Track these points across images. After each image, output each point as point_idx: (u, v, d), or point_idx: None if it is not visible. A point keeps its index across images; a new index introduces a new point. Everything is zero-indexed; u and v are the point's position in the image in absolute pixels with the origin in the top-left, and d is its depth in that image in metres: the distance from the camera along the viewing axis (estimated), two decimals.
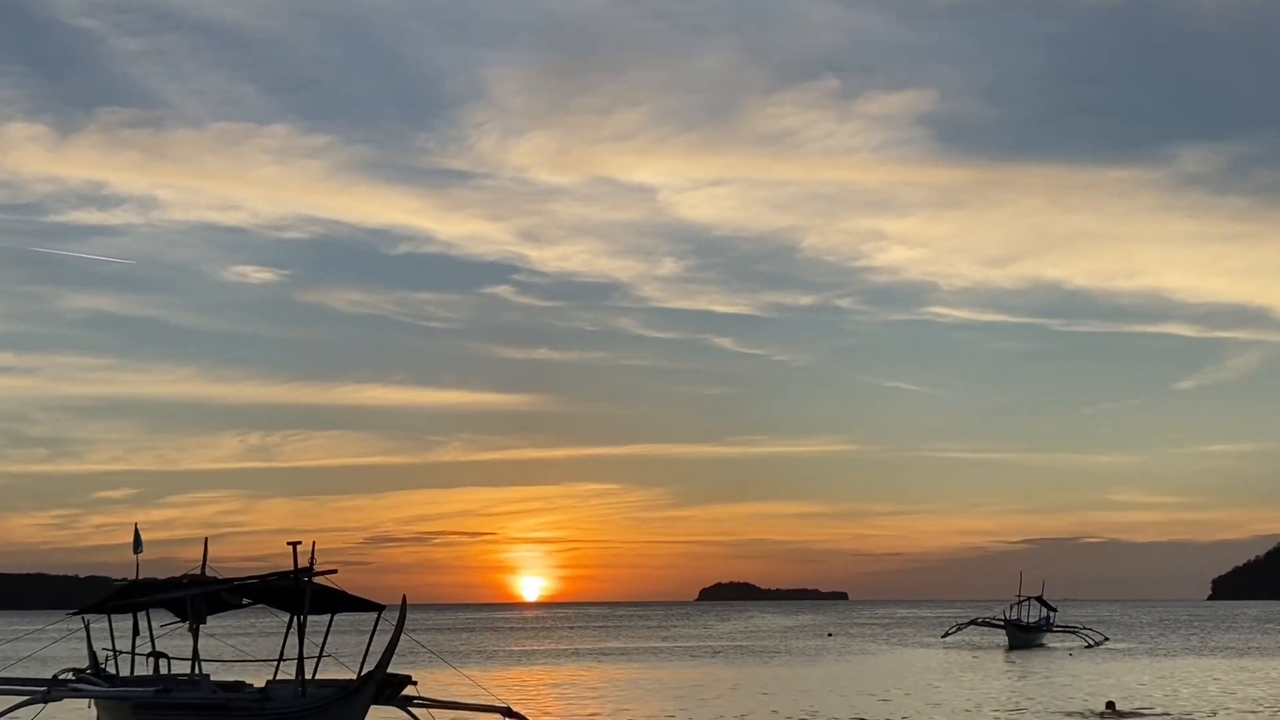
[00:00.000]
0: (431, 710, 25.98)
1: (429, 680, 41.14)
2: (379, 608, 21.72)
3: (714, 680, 45.04)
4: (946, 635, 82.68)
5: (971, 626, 79.70)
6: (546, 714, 30.91)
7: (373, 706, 22.77)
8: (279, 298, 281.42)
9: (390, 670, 20.45)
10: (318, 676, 22.98)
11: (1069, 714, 30.87)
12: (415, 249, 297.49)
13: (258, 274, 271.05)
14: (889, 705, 33.62)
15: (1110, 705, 31.07)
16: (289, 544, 20.06)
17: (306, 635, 21.29)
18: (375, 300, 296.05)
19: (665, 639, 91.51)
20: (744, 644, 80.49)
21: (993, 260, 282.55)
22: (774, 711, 32.05)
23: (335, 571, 20.48)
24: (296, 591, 20.31)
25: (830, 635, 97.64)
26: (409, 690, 21.92)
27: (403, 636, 20.14)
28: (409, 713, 25.01)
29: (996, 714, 30.92)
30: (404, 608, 19.59)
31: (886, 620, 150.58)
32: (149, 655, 24.19)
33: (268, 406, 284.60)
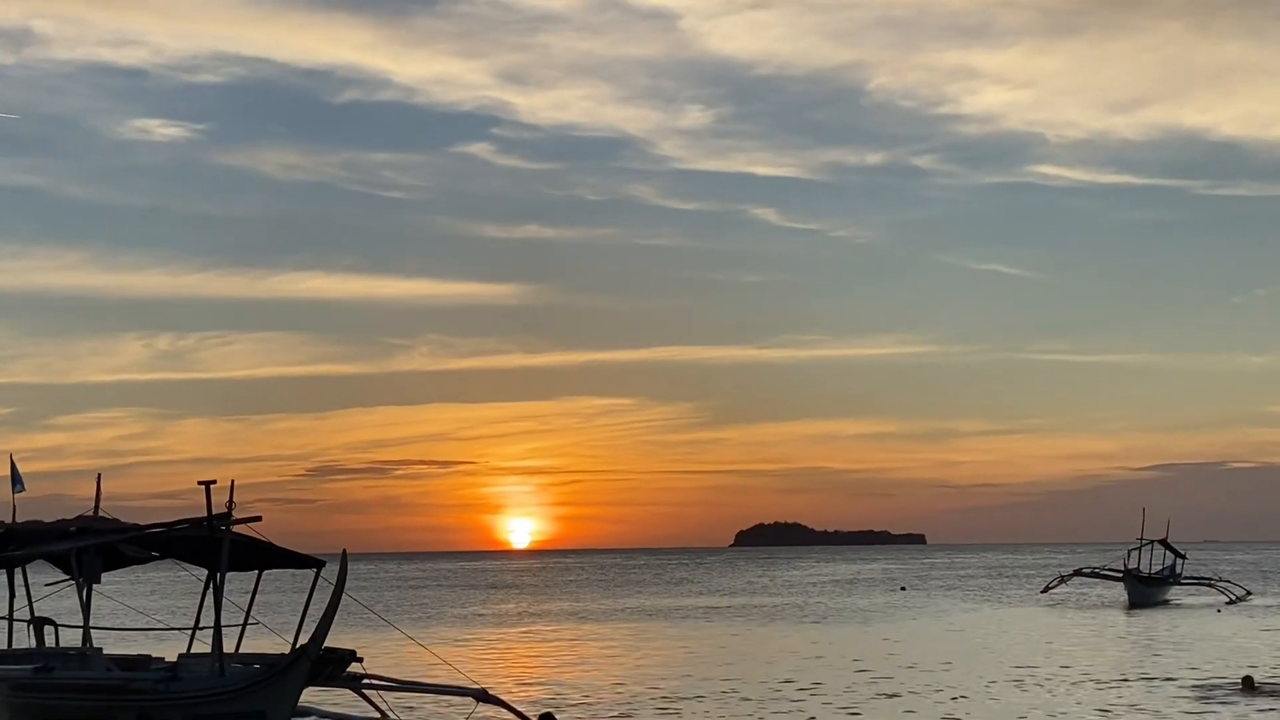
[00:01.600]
0: (388, 694, 26.35)
1: (385, 653, 41.62)
2: (317, 563, 21.98)
3: (750, 647, 45.58)
4: (1047, 589, 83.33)
5: (1077, 578, 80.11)
6: (535, 698, 31.29)
7: (318, 688, 23.06)
8: (192, 160, 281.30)
9: (329, 645, 20.66)
10: (243, 649, 23.30)
11: (1198, 688, 31.24)
12: (366, 96, 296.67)
13: (164, 130, 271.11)
14: (962, 682, 34.00)
15: (1248, 681, 31.39)
16: (200, 483, 20.28)
17: (232, 596, 21.50)
18: (316, 164, 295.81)
19: (692, 594, 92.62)
20: (791, 600, 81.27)
21: (1116, 105, 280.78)
22: (846, 687, 32.49)
23: (259, 519, 20.72)
24: (212, 543, 20.57)
25: (903, 589, 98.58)
26: (355, 668, 22.20)
27: (354, 596, 20.30)
28: (362, 695, 25.31)
29: (1099, 686, 31.35)
30: (344, 566, 19.81)
31: (975, 569, 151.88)
32: (31, 622, 24.52)
33: (180, 301, 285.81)
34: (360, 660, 21.69)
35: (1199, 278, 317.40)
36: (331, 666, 21.03)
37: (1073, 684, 32.80)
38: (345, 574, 19.68)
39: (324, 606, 20.21)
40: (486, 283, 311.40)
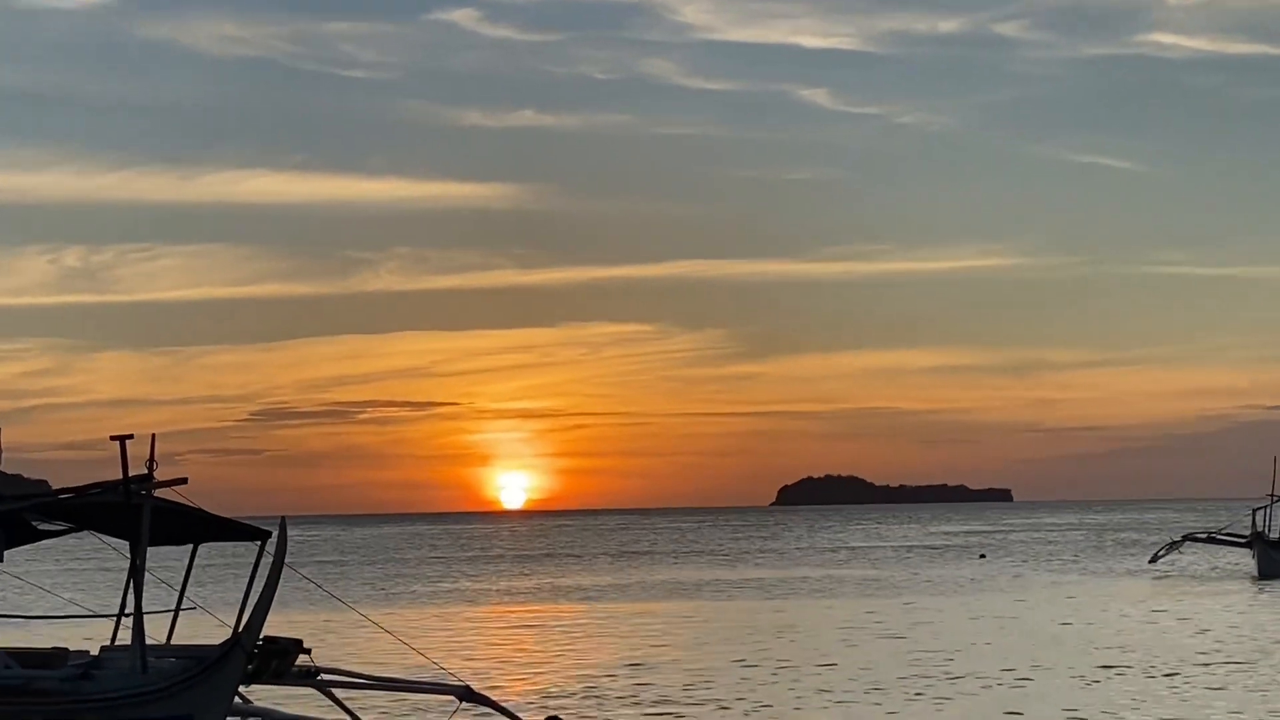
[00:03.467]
0: (355, 692, 26.60)
1: (347, 642, 41.95)
2: (261, 535, 22.14)
3: (793, 630, 45.83)
4: (1155, 559, 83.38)
5: (1189, 544, 79.50)
6: (530, 696, 31.58)
7: (269, 686, 23.22)
8: (106, 33, 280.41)
9: (270, 633, 20.88)
10: (181, 638, 23.52)
11: None
12: None
13: None
14: (1045, 673, 34.28)
15: None
16: (113, 438, 20.44)
17: (166, 575, 21.60)
18: (258, 36, 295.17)
19: (724, 565, 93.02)
20: (844, 572, 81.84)
21: None
22: (904, 675, 32.77)
23: (184, 481, 20.86)
24: (131, 512, 20.75)
25: (982, 557, 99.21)
26: (304, 661, 22.36)
27: (302, 572, 20.37)
28: (326, 694, 25.52)
29: (1206, 680, 31.58)
30: (283, 538, 20.02)
31: (1070, 533, 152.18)
32: None
33: (93, 208, 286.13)
34: (308, 651, 21.89)
35: None
36: (277, 660, 21.23)
37: (1173, 677, 32.89)
38: (284, 548, 19.84)
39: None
40: (470, 182, 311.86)
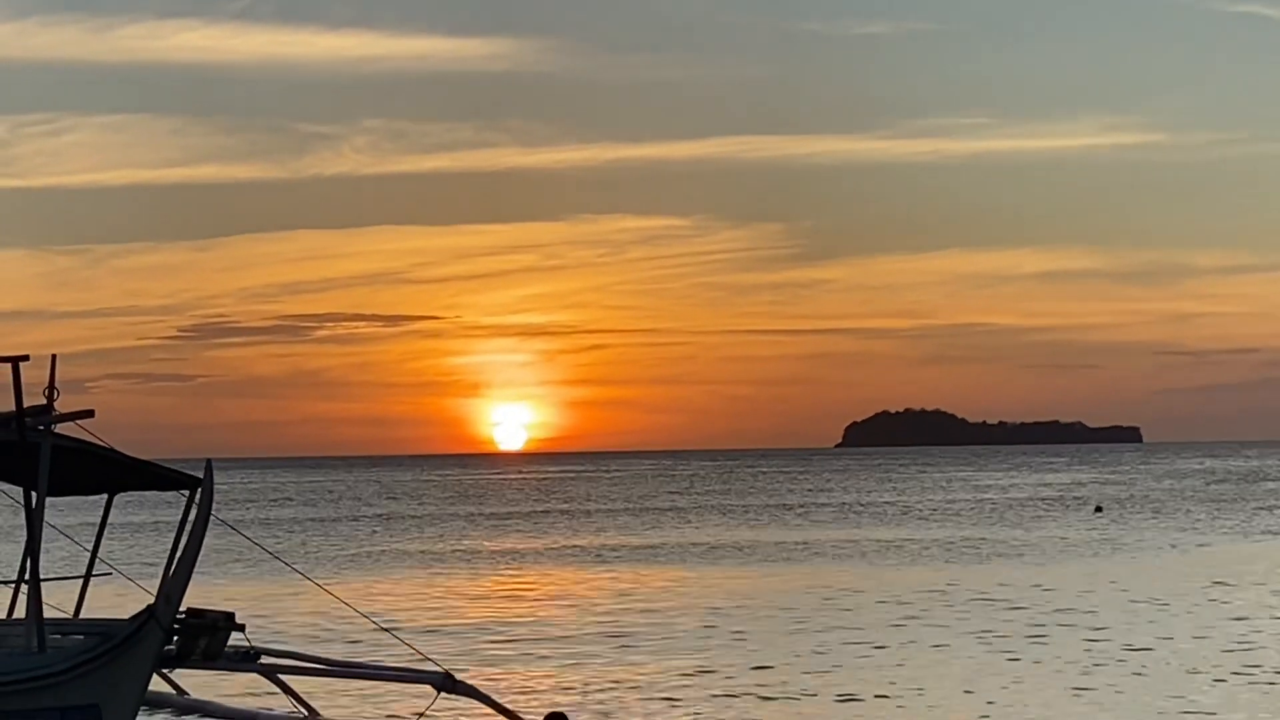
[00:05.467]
0: (310, 679, 26.89)
1: (297, 618, 42.15)
2: (190, 482, 22.28)
3: (858, 602, 46.05)
4: None
5: None
6: (526, 687, 31.88)
7: (204, 671, 23.48)
8: None
9: (195, 605, 21.07)
10: (92, 610, 23.72)
11: None
12: None
13: None
14: (1172, 668, 34.38)
15: None
16: (3, 360, 20.50)
17: (78, 531, 21.71)
18: None
19: (778, 522, 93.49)
20: (926, 533, 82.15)
21: None
22: (991, 667, 32.85)
23: (91, 414, 20.96)
24: (26, 453, 20.89)
25: (1099, 511, 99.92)
26: (238, 640, 22.57)
27: (239, 529, 20.44)
28: (276, 681, 25.88)
29: None
30: (209, 484, 20.14)
31: (1214, 482, 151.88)
32: None
33: None
34: (241, 628, 22.08)
35: None
36: (206, 638, 21.40)
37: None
38: (210, 498, 19.95)
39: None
40: (459, 37, 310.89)
